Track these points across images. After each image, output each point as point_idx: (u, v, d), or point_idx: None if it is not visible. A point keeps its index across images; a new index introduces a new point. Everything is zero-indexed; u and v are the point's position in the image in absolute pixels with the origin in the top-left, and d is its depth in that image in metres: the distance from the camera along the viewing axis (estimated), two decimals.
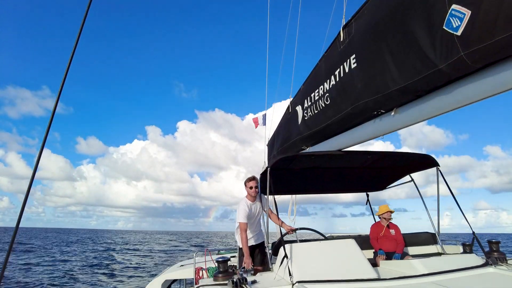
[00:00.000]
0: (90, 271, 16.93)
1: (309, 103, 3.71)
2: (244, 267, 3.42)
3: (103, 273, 16.03)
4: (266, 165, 6.89)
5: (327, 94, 3.26)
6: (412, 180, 4.56)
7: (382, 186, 5.34)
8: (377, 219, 4.95)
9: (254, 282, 2.71)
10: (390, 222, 4.67)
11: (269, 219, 4.02)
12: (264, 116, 7.48)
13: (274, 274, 3.01)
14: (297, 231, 4.16)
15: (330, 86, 3.19)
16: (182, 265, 5.43)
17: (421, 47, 2.06)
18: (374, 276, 2.71)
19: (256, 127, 7.66)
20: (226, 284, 2.71)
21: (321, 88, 3.38)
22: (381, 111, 2.74)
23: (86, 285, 12.90)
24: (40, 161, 1.91)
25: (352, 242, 3.15)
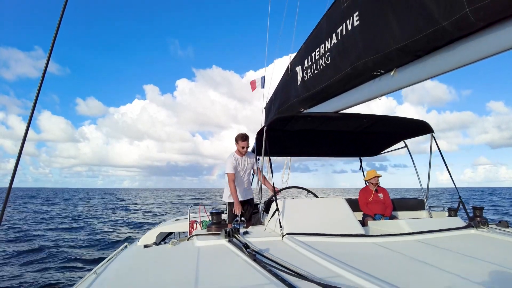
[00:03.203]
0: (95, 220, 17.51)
1: (309, 63, 3.66)
2: (237, 220, 3.54)
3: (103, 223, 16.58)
4: None
5: (328, 53, 3.21)
6: (406, 146, 4.64)
7: (375, 152, 5.43)
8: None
9: (246, 233, 2.83)
10: (378, 186, 4.80)
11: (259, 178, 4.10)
12: (263, 78, 7.35)
13: (265, 227, 3.13)
14: (291, 190, 4.27)
15: (331, 45, 3.13)
16: (177, 220, 5.60)
17: (425, 3, 2.02)
18: (362, 232, 2.83)
19: (253, 90, 7.51)
20: (219, 234, 2.82)
21: (322, 47, 3.32)
22: (381, 71, 2.72)
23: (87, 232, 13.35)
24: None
25: (342, 200, 3.25)
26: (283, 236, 2.64)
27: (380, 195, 4.69)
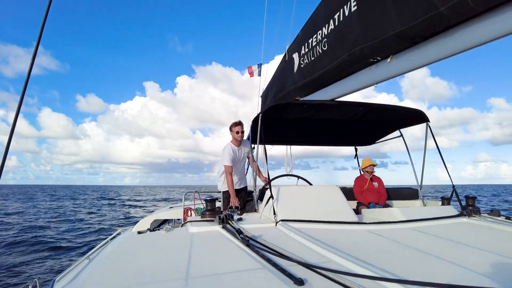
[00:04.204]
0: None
1: (306, 50, 3.62)
2: (231, 207, 3.53)
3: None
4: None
5: (325, 40, 3.17)
6: (401, 135, 4.63)
7: (370, 141, 5.43)
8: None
9: (240, 219, 2.83)
10: (373, 175, 4.81)
11: (253, 167, 4.07)
12: (260, 66, 7.28)
13: (259, 214, 3.13)
14: (287, 179, 4.26)
15: (329, 31, 3.09)
16: (171, 207, 5.61)
17: None
18: (355, 220, 2.84)
19: (251, 76, 7.43)
20: (213, 221, 2.82)
21: (319, 34, 3.28)
22: (377, 58, 2.69)
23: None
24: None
25: (336, 188, 3.25)
26: (276, 222, 2.64)
27: (375, 183, 4.71)
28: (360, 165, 5.56)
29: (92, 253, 2.49)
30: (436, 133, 4.05)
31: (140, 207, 24.91)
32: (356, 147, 5.63)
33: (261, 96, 6.87)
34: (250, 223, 2.71)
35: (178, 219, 5.80)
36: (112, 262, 1.95)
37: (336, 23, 2.96)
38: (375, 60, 2.73)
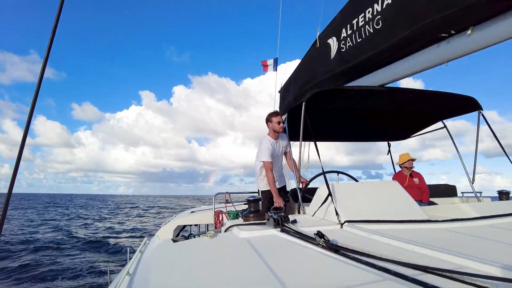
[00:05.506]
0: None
1: (349, 32, 3.26)
2: (275, 207, 3.16)
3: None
4: None
5: (378, 17, 2.81)
6: (445, 126, 4.25)
7: (406, 135, 5.05)
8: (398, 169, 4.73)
9: (294, 221, 2.46)
10: (412, 171, 4.46)
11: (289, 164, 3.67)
12: (276, 60, 6.90)
13: (310, 216, 2.77)
14: (321, 176, 3.88)
15: (384, 6, 2.74)
16: (193, 211, 5.21)
17: None
18: (425, 217, 2.48)
19: (264, 70, 7.01)
20: (259, 224, 2.47)
21: (369, 12, 2.93)
22: (451, 31, 2.34)
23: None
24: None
25: (396, 184, 2.90)
26: (342, 224, 2.27)
27: (416, 179, 4.36)
28: (392, 161, 5.20)
29: (130, 266, 2.12)
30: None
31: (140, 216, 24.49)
32: (389, 142, 5.24)
33: (279, 92, 6.50)
34: (307, 225, 2.34)
35: (196, 225, 5.41)
36: (166, 276, 1.57)
37: None
38: (447, 34, 2.38)
